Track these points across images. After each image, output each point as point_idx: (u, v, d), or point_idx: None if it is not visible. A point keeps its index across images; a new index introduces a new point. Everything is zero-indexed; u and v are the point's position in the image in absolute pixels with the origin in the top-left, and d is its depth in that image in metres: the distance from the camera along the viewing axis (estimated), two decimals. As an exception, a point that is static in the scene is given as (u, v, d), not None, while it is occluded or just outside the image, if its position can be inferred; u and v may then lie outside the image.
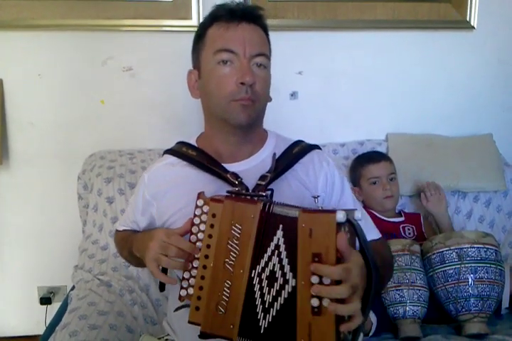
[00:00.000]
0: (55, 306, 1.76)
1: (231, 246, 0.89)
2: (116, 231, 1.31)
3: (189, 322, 0.91)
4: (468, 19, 2.04)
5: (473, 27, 2.06)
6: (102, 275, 1.63)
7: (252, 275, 0.89)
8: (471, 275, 1.48)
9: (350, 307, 0.80)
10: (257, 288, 0.88)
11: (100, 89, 1.94)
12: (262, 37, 1.11)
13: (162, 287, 1.09)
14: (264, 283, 0.88)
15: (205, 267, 0.90)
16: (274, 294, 0.87)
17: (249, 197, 0.95)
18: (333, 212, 0.83)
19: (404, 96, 2.11)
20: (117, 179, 1.76)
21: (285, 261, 0.87)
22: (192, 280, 0.92)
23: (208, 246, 0.91)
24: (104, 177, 1.76)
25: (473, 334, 1.46)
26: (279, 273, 0.87)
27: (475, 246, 1.50)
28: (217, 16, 1.09)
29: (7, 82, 1.89)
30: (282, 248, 0.88)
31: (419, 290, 1.51)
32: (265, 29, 1.12)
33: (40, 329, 1.56)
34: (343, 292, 0.79)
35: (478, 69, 2.14)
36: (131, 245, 1.13)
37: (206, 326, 0.89)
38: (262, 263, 0.88)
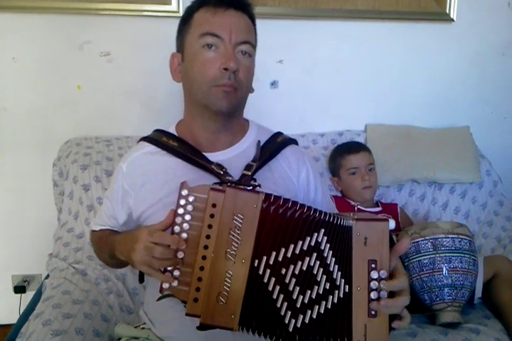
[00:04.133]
0: (30, 295, 1.73)
1: (233, 236, 0.89)
2: (92, 231, 1.26)
3: (187, 314, 0.88)
4: (447, 11, 2.06)
5: (452, 19, 2.08)
6: (77, 264, 1.61)
7: (256, 264, 0.89)
8: (446, 264, 1.50)
9: (407, 321, 0.92)
10: (270, 280, 0.89)
11: (77, 74, 1.90)
12: (249, 25, 1.10)
13: (142, 278, 1.08)
14: (290, 280, 0.89)
15: (204, 258, 0.88)
16: (313, 297, 0.89)
17: (249, 188, 0.94)
18: (385, 220, 0.90)
19: (383, 87, 2.12)
20: (93, 166, 1.73)
21: (333, 268, 0.90)
22: (176, 272, 0.89)
23: (208, 237, 0.89)
24: (80, 164, 1.73)
25: (446, 323, 1.48)
26: (322, 278, 0.90)
27: (449, 236, 1.52)
28: (205, 1, 1.07)
29: (-20, 65, 1.84)
30: (328, 254, 0.90)
31: (395, 279, 1.53)
32: (252, 18, 1.12)
33: (13, 318, 1.54)
34: (407, 302, 0.90)
35: (456, 62, 2.16)
36: (112, 247, 1.08)
37: (207, 317, 0.88)
38: (279, 256, 0.89)
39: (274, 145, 1.16)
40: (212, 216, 0.89)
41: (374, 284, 0.88)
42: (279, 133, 1.21)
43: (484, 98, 2.21)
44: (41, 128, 1.91)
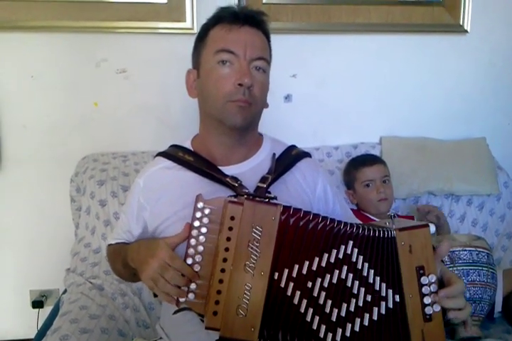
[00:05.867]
0: (48, 310, 1.75)
1: (251, 248, 0.88)
2: (109, 245, 1.27)
3: (207, 328, 0.88)
4: (461, 23, 2.06)
5: (466, 31, 2.07)
6: (94, 279, 1.62)
7: (276, 277, 0.88)
8: (463, 278, 1.48)
9: (467, 311, 0.92)
10: (294, 293, 0.88)
11: (94, 92, 1.93)
12: (264, 41, 1.12)
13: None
14: (318, 293, 0.89)
15: (223, 270, 0.88)
16: (352, 309, 0.89)
17: (267, 200, 0.95)
18: (426, 225, 0.91)
19: (397, 100, 2.12)
20: (110, 181, 1.75)
21: (373, 279, 0.90)
22: (193, 286, 0.90)
23: (227, 250, 0.89)
24: (96, 179, 1.76)
25: (466, 337, 1.45)
26: (359, 290, 0.89)
27: (467, 248, 1.51)
28: (220, 18, 1.10)
29: (0, 83, 1.88)
30: (364, 266, 0.90)
31: (412, 293, 1.51)
32: (267, 34, 1.13)
33: (32, 333, 1.56)
34: (462, 303, 0.92)
35: (471, 73, 2.15)
36: (125, 255, 1.09)
37: (226, 330, 0.87)
38: (302, 269, 0.89)
39: (289, 158, 1.17)
40: (230, 229, 0.89)
41: (426, 289, 0.89)
42: (293, 147, 1.22)
43: (500, 109, 2.19)
44: (59, 144, 1.94)
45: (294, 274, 0.89)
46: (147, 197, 1.14)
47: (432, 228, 0.93)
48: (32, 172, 1.94)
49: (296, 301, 0.88)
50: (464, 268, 1.49)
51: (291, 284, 0.88)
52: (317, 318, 0.88)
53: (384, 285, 0.89)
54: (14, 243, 1.98)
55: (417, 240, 0.90)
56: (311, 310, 0.88)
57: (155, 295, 1.07)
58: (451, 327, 1.50)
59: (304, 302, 0.88)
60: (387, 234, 0.90)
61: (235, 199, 0.92)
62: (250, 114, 1.08)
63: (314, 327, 0.88)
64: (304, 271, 0.89)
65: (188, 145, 1.19)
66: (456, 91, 2.15)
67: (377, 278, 0.90)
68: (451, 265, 1.50)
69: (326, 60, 2.05)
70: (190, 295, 0.90)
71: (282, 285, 0.88)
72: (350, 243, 0.90)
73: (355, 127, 2.11)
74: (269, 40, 1.14)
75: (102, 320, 1.41)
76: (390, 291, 0.89)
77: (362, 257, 0.90)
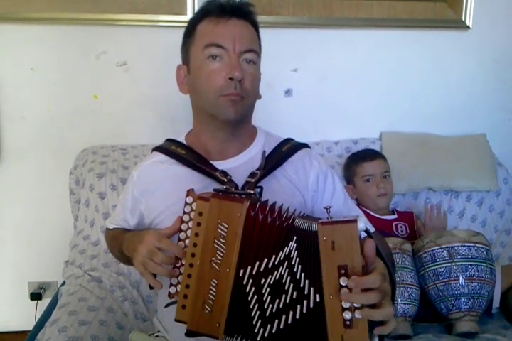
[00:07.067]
0: (46, 302, 1.75)
1: (217, 244, 0.89)
2: (107, 229, 1.31)
3: (176, 320, 0.91)
4: (463, 19, 2.05)
5: (468, 26, 2.06)
6: (92, 271, 1.62)
7: (241, 274, 0.88)
8: (462, 273, 1.48)
9: (383, 312, 0.81)
10: (250, 290, 0.88)
11: (93, 84, 1.93)
12: (252, 33, 1.10)
13: None
14: (265, 290, 0.87)
15: (191, 265, 0.90)
16: (281, 306, 0.86)
17: (237, 195, 0.95)
18: (353, 221, 0.82)
19: (398, 95, 2.11)
20: (109, 174, 1.75)
21: (300, 276, 0.85)
22: (181, 278, 0.91)
23: (195, 245, 0.90)
24: (96, 172, 1.75)
25: (463, 332, 1.46)
26: (289, 286, 0.86)
27: (466, 244, 1.51)
28: (207, 12, 1.09)
29: (-1, 75, 1.88)
30: (296, 261, 0.86)
31: (410, 288, 1.51)
32: (255, 26, 1.12)
33: (30, 325, 1.55)
34: (374, 298, 0.80)
35: (473, 69, 2.14)
36: (121, 244, 1.13)
37: (192, 324, 0.89)
38: (261, 267, 0.88)
39: (280, 154, 1.15)
40: (198, 224, 0.90)
41: (344, 292, 0.81)
42: (287, 140, 1.20)
43: (501, 105, 2.19)
44: (58, 136, 1.94)
45: (254, 271, 0.88)
46: (141, 190, 1.16)
47: (361, 224, 0.83)
48: (31, 164, 1.94)
49: (249, 297, 0.88)
50: (463, 263, 1.49)
51: (250, 281, 0.88)
52: (258, 313, 0.87)
53: (307, 282, 0.85)
54: (13, 235, 1.98)
55: (341, 236, 0.81)
56: (256, 306, 0.88)
57: (151, 287, 1.09)
58: (449, 322, 1.51)
59: (255, 298, 0.88)
60: (311, 226, 0.85)
61: (204, 195, 0.92)
62: (243, 107, 1.07)
63: (254, 322, 0.88)
64: (262, 269, 0.88)
65: (181, 139, 1.20)
66: (458, 88, 2.14)
67: (303, 274, 0.85)
68: (450, 260, 1.50)
69: (327, 54, 2.04)
70: (179, 287, 0.91)
71: (245, 282, 0.88)
72: (294, 238, 0.87)
73: (356, 122, 2.11)
74: (257, 31, 1.13)
75: (101, 313, 1.42)
76: (312, 289, 0.84)
77: (297, 252, 0.86)
